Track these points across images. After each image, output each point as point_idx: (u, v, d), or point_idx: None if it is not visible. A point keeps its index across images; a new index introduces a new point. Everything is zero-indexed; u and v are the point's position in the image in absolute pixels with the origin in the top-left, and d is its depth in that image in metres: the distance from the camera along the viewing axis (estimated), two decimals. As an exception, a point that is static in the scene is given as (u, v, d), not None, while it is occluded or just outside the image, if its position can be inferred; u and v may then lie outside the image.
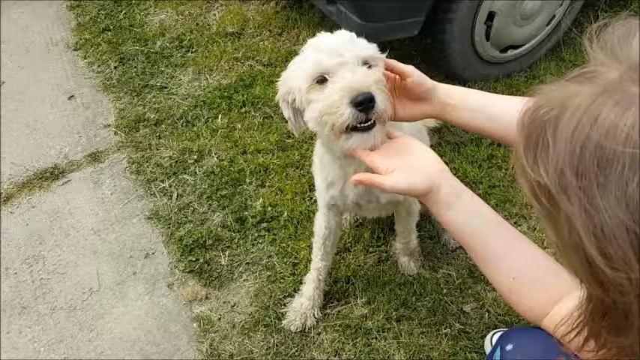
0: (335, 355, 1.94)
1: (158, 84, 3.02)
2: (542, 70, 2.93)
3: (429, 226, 2.28)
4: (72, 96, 3.03)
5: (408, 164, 1.10)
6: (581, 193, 0.59)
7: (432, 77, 1.26)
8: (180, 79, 3.04)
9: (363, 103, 1.12)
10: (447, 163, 1.13)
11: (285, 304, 2.07)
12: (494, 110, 1.22)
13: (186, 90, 2.98)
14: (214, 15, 3.45)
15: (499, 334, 1.78)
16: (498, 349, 1.28)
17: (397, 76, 1.26)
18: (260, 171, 2.51)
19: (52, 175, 2.61)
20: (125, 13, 3.51)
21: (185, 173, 2.56)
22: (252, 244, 2.27)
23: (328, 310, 2.05)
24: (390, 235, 2.23)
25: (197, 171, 2.56)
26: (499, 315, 1.99)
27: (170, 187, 2.51)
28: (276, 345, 1.97)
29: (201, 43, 3.25)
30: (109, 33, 3.37)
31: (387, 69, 1.25)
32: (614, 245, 0.58)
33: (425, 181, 1.06)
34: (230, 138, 2.68)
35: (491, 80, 2.87)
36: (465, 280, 2.10)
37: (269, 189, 2.45)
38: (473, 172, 2.42)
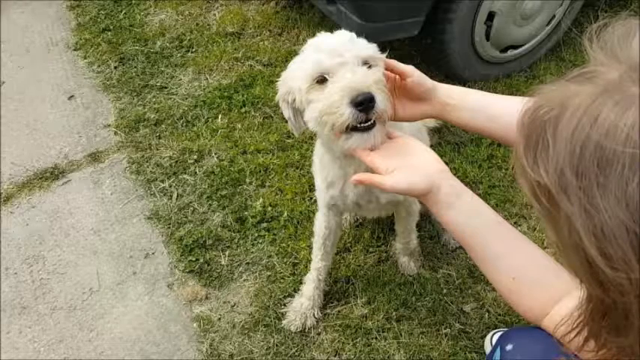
0: (335, 355, 1.94)
1: (158, 84, 3.02)
2: (542, 70, 2.93)
3: (429, 226, 2.28)
4: (72, 96, 3.03)
5: (408, 164, 1.10)
6: (581, 193, 0.59)
7: (432, 77, 1.26)
8: (180, 79, 3.04)
9: (363, 103, 1.12)
10: (447, 163, 1.13)
11: (285, 304, 2.07)
12: (494, 110, 1.22)
13: (186, 90, 2.98)
14: (214, 15, 3.45)
15: (499, 334, 1.78)
16: (498, 349, 1.28)
17: (397, 76, 1.26)
18: (260, 171, 2.51)
19: (52, 175, 2.61)
20: (125, 13, 3.51)
21: (185, 173, 2.56)
22: (252, 244, 2.27)
23: (328, 310, 2.05)
24: (390, 235, 2.23)
25: (197, 171, 2.56)
26: (499, 315, 1.99)
27: (170, 187, 2.51)
28: (276, 345, 1.97)
29: (201, 43, 3.25)
30: (109, 33, 3.37)
31: (387, 69, 1.25)
32: (614, 245, 0.58)
33: (425, 181, 1.06)
34: (230, 138, 2.68)
35: (491, 80, 2.87)
36: (465, 280, 2.10)
37: (269, 189, 2.45)
38: (473, 172, 2.42)
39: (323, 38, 1.28)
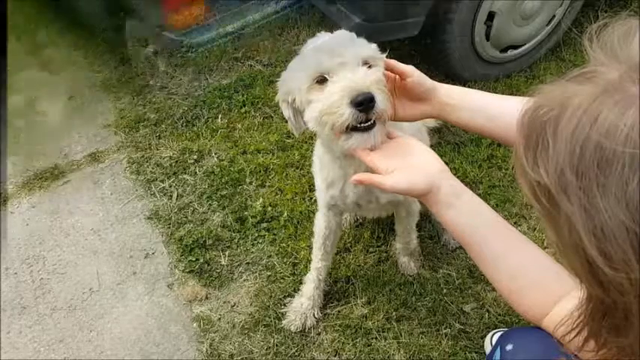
0: (335, 355, 1.94)
1: (158, 84, 3.02)
2: (542, 70, 2.93)
3: (429, 226, 2.28)
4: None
5: (408, 164, 1.10)
6: (581, 193, 0.59)
7: (432, 77, 1.26)
8: (180, 79, 3.04)
9: (363, 103, 1.12)
10: (447, 163, 1.13)
11: (285, 304, 2.07)
12: (494, 110, 1.22)
13: (186, 90, 2.98)
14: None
15: (499, 334, 1.78)
16: (498, 349, 1.28)
17: (397, 76, 1.26)
18: (260, 171, 2.51)
19: (52, 175, 2.61)
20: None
21: (185, 173, 2.56)
22: (252, 244, 2.27)
23: (328, 310, 2.05)
24: (390, 235, 2.23)
25: (197, 171, 2.56)
26: (499, 315, 1.99)
27: (170, 187, 2.51)
28: (276, 345, 1.97)
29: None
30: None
31: (387, 69, 1.25)
32: (614, 245, 0.58)
33: (425, 181, 1.06)
34: (230, 138, 2.68)
35: (492, 80, 2.87)
36: (465, 280, 2.10)
37: (269, 189, 2.45)
38: (473, 172, 2.42)
39: (323, 38, 1.28)
